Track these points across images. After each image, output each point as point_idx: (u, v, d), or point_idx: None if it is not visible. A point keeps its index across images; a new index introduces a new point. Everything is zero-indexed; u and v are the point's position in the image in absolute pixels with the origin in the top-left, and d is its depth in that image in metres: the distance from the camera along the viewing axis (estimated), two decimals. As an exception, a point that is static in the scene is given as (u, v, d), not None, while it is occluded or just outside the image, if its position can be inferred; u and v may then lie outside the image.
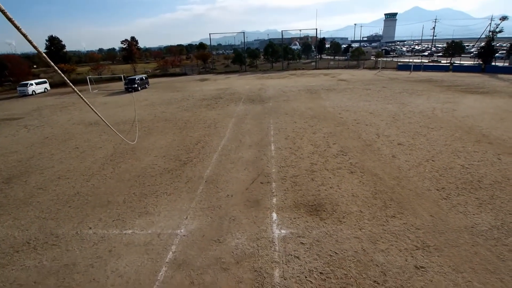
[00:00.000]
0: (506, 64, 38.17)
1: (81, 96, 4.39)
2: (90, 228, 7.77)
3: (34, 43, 2.87)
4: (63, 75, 3.72)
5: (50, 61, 3.33)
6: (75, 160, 12.63)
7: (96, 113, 5.03)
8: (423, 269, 5.92)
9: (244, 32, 58.17)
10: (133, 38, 73.79)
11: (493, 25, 38.85)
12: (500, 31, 37.11)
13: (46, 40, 51.50)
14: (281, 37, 58.16)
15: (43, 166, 12.21)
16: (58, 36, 52.41)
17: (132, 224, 7.84)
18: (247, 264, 6.22)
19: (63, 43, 52.96)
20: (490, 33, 37.80)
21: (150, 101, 26.34)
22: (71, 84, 4.25)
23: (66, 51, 54.44)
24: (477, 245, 6.53)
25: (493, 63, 37.86)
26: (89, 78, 36.14)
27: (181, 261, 6.42)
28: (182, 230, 7.48)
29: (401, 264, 6.06)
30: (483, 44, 38.60)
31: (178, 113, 20.63)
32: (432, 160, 10.98)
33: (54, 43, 51.07)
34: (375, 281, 5.68)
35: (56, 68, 3.62)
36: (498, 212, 7.69)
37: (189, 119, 18.76)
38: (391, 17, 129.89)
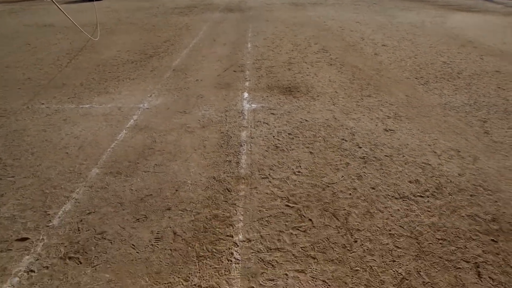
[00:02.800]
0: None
1: None
2: (43, 103, 7.15)
3: None
4: None
5: None
6: (26, 54, 11.35)
7: (55, 3, 3.95)
8: (391, 131, 5.86)
9: None
10: None
11: None
12: None
13: None
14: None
15: (-8, 56, 10.91)
16: None
17: (90, 101, 7.26)
18: (213, 128, 5.96)
19: None
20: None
21: (113, 8, 23.61)
22: None
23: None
24: (448, 116, 6.50)
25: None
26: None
27: (143, 126, 6.07)
28: (145, 105, 7.01)
29: (370, 128, 5.97)
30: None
31: (145, 19, 18.68)
32: (415, 57, 10.61)
33: None
34: (343, 139, 5.59)
35: None
36: (472, 95, 7.64)
37: (158, 23, 17.06)
38: None
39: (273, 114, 6.52)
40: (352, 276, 3.17)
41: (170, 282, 3.11)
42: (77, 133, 5.87)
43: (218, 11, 22.05)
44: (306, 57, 10.74)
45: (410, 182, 4.53)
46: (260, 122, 6.18)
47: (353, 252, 3.45)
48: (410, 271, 3.22)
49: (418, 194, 4.29)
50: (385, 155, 5.14)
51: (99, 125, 6.12)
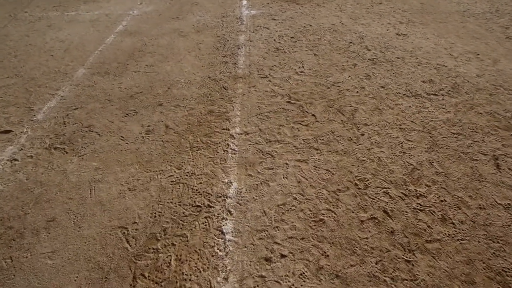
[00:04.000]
0: None
1: None
2: (26, 12, 6.42)
3: None
4: None
5: None
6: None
7: None
8: (404, 35, 5.24)
9: None
10: None
11: None
12: None
13: None
14: None
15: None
16: None
17: (76, 8, 6.51)
18: (208, 33, 5.35)
19: None
20: None
21: None
22: None
23: None
24: (466, 22, 5.80)
25: None
26: None
27: (132, 31, 5.46)
28: (135, 11, 6.27)
29: (381, 32, 5.35)
30: None
31: None
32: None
33: None
34: (350, 42, 5.02)
35: None
36: (494, 3, 6.78)
37: None
38: None
39: (274, 19, 5.85)
40: (358, 166, 2.96)
41: (162, 170, 2.91)
42: (63, 37, 5.33)
43: None
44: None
45: (423, 81, 4.12)
46: (260, 26, 5.56)
47: (359, 144, 3.20)
48: (421, 162, 3.00)
49: (432, 93, 3.91)
50: (397, 57, 4.65)
51: (86, 30, 5.54)
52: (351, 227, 2.46)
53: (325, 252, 2.29)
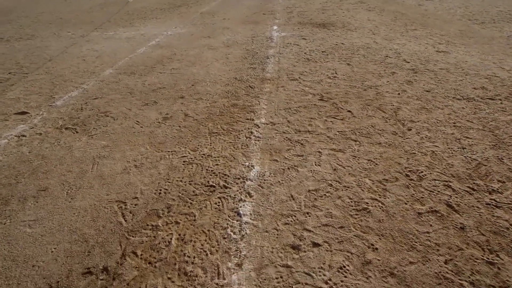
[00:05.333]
0: None
1: None
2: (69, 32, 6.90)
3: None
4: None
5: None
6: (61, 5, 11.36)
7: None
8: (445, 52, 4.96)
9: None
10: None
11: None
12: None
13: None
14: None
15: None
16: None
17: (115, 30, 6.92)
18: (237, 47, 5.34)
19: None
20: None
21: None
22: None
23: None
24: (513, 45, 5.40)
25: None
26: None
27: (164, 45, 5.58)
28: (169, 32, 6.54)
29: (419, 50, 5.10)
30: None
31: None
32: (465, 7, 9.34)
33: None
34: (386, 55, 4.79)
35: None
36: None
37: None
38: None
39: (305, 39, 5.79)
40: (408, 158, 2.44)
41: (174, 151, 2.55)
42: (97, 48, 5.52)
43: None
44: (342, 5, 9.82)
45: (474, 88, 3.66)
46: (290, 44, 5.49)
47: (407, 138, 2.71)
48: (488, 158, 2.44)
49: (488, 97, 3.42)
50: (440, 68, 4.27)
51: (120, 44, 5.74)
52: (405, 219, 1.88)
53: (372, 245, 1.71)
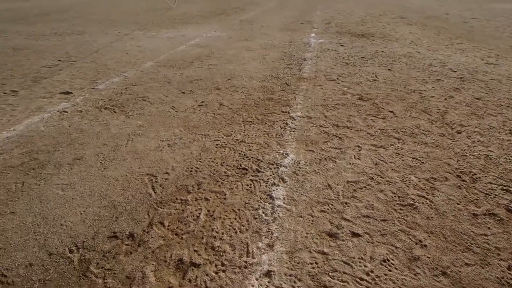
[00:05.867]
0: None
1: None
2: (116, 30, 7.29)
3: None
4: None
5: None
6: (111, 9, 12.13)
7: None
8: (495, 65, 4.64)
9: None
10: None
11: None
12: None
13: None
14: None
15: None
16: None
17: (157, 31, 7.22)
18: (275, 50, 5.35)
19: None
20: None
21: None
22: None
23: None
24: None
25: None
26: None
27: (203, 45, 5.71)
28: (208, 35, 6.70)
29: (466, 61, 4.82)
30: None
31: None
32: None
33: None
34: (430, 64, 4.55)
35: None
36: None
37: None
38: None
39: (343, 46, 5.68)
40: (458, 160, 2.22)
41: (208, 135, 2.51)
42: (140, 44, 5.76)
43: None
44: (382, 19, 9.64)
45: (532, 99, 3.33)
46: (328, 49, 5.40)
47: (456, 140, 2.49)
48: (553, 165, 2.15)
49: (549, 109, 3.09)
50: (490, 79, 3.98)
51: (161, 42, 5.95)
52: (458, 219, 1.67)
53: (420, 241, 1.52)
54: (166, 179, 1.97)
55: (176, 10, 11.55)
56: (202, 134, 2.53)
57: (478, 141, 2.49)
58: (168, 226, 1.61)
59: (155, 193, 1.84)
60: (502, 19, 10.50)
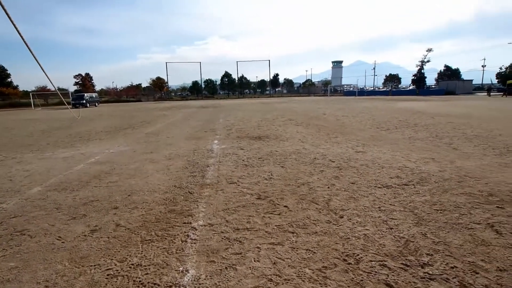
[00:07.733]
0: (436, 87, 43.22)
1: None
2: (1, 154, 6.62)
3: None
4: None
5: None
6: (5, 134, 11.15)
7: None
8: (362, 152, 5.77)
9: (200, 62, 59.88)
10: (87, 74, 71.01)
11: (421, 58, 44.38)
12: (428, 61, 42.50)
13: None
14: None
15: None
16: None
17: (53, 152, 6.87)
18: (179, 159, 5.63)
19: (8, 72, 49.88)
20: (420, 63, 43.12)
21: (99, 112, 25.09)
22: None
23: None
24: (415, 143, 6.60)
25: (425, 88, 42.65)
26: (32, 94, 33.72)
27: (104, 161, 5.63)
28: (111, 150, 6.68)
29: (341, 151, 5.88)
30: (415, 72, 43.67)
31: (126, 112, 19.79)
32: (373, 119, 11.53)
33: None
34: (314, 158, 5.40)
35: None
36: (432, 132, 8.01)
37: (138, 114, 18.04)
38: (337, 65, 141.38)
39: (243, 149, 6.35)
40: (343, 244, 2.53)
41: (98, 264, 2.31)
42: (29, 168, 5.29)
43: (194, 107, 23.94)
44: (274, 122, 11.30)
45: (391, 177, 4.20)
46: (230, 153, 5.94)
47: (340, 225, 2.86)
48: (413, 234, 2.65)
49: (403, 184, 3.93)
50: (360, 165, 4.90)
51: (55, 164, 5.60)
52: (348, 305, 1.81)
53: None
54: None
55: (78, 127, 11.32)
56: (91, 265, 2.27)
57: (357, 222, 2.87)
58: None
59: None
60: (363, 115, 13.52)
